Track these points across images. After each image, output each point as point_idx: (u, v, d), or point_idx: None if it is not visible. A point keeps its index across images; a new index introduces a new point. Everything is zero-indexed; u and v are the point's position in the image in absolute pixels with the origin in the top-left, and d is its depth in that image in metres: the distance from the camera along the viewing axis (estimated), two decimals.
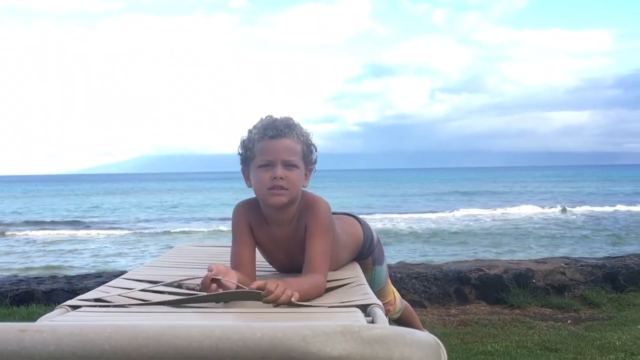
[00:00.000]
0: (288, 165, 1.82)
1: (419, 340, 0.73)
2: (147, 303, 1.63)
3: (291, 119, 1.87)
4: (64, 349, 0.67)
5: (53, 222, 22.08)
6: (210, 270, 1.62)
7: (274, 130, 1.80)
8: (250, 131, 1.87)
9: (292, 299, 1.53)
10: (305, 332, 0.69)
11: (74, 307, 1.56)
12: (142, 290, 1.70)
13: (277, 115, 1.89)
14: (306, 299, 1.64)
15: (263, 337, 0.68)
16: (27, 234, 18.00)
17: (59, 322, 1.35)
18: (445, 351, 0.76)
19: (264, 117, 1.88)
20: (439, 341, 0.76)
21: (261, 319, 1.36)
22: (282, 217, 1.91)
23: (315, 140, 1.92)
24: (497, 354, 3.36)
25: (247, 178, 1.92)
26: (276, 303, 1.51)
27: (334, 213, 2.07)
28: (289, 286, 1.57)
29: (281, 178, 1.79)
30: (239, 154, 1.92)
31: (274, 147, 1.80)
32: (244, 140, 1.88)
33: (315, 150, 1.92)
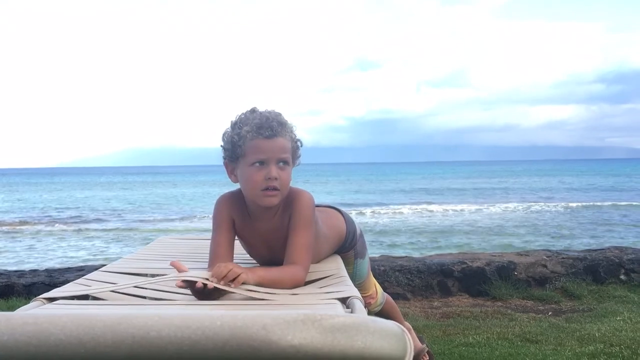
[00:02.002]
0: (282, 162, 1.80)
1: (382, 328, 0.73)
2: (119, 288, 1.62)
3: (280, 114, 1.83)
4: (17, 338, 0.65)
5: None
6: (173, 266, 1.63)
7: (268, 130, 1.76)
8: (237, 126, 1.81)
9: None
10: (266, 320, 0.68)
11: (51, 300, 1.54)
12: (111, 286, 1.68)
13: (262, 108, 1.84)
14: (275, 287, 1.64)
15: (223, 325, 0.67)
16: None
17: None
18: (411, 339, 0.76)
19: (249, 112, 1.83)
20: (404, 329, 0.76)
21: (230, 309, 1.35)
22: (267, 211, 1.90)
23: (298, 133, 1.91)
24: (478, 346, 3.38)
25: (231, 173, 1.89)
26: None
27: (317, 206, 2.06)
28: (252, 273, 1.58)
29: (275, 178, 1.78)
30: (223, 148, 1.87)
31: (268, 147, 1.77)
32: (231, 136, 1.82)
33: (301, 145, 1.91)
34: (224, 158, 1.88)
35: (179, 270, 1.61)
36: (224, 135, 1.86)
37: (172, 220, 20.77)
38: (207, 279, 1.51)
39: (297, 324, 0.68)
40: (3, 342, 0.65)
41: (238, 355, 0.68)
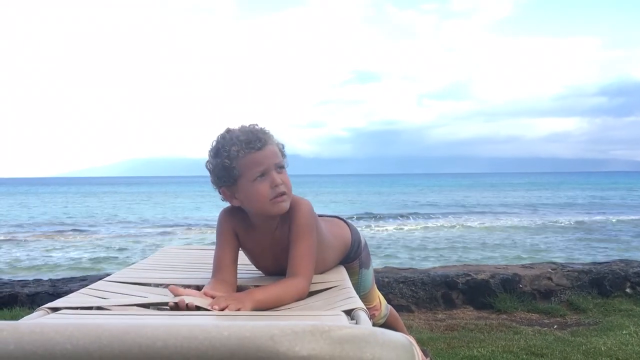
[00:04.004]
0: (279, 167, 1.81)
1: (390, 340, 0.72)
2: (125, 305, 1.61)
3: (257, 124, 1.84)
4: (24, 347, 0.65)
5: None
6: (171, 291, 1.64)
7: (258, 142, 1.77)
8: (223, 150, 1.78)
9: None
10: (274, 331, 0.67)
11: (55, 310, 1.54)
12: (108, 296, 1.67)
13: (233, 125, 1.84)
14: (276, 305, 1.65)
15: (230, 336, 0.66)
16: None
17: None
18: (419, 351, 0.75)
19: (225, 133, 1.81)
20: (412, 341, 0.75)
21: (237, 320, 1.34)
22: (269, 222, 1.90)
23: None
24: (483, 359, 3.35)
25: (232, 197, 1.86)
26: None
27: (322, 216, 2.06)
28: (250, 298, 1.59)
29: (281, 184, 1.79)
30: (215, 177, 1.83)
31: (263, 157, 1.77)
32: (221, 162, 1.79)
33: (283, 147, 1.91)
34: (220, 186, 1.85)
35: (176, 296, 1.62)
36: (210, 166, 1.84)
37: (176, 230, 20.77)
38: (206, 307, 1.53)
39: (306, 335, 0.67)
40: (10, 352, 0.64)
41: None
